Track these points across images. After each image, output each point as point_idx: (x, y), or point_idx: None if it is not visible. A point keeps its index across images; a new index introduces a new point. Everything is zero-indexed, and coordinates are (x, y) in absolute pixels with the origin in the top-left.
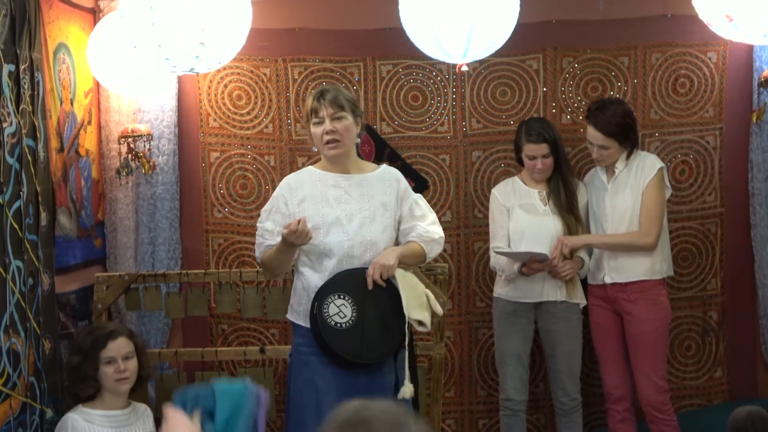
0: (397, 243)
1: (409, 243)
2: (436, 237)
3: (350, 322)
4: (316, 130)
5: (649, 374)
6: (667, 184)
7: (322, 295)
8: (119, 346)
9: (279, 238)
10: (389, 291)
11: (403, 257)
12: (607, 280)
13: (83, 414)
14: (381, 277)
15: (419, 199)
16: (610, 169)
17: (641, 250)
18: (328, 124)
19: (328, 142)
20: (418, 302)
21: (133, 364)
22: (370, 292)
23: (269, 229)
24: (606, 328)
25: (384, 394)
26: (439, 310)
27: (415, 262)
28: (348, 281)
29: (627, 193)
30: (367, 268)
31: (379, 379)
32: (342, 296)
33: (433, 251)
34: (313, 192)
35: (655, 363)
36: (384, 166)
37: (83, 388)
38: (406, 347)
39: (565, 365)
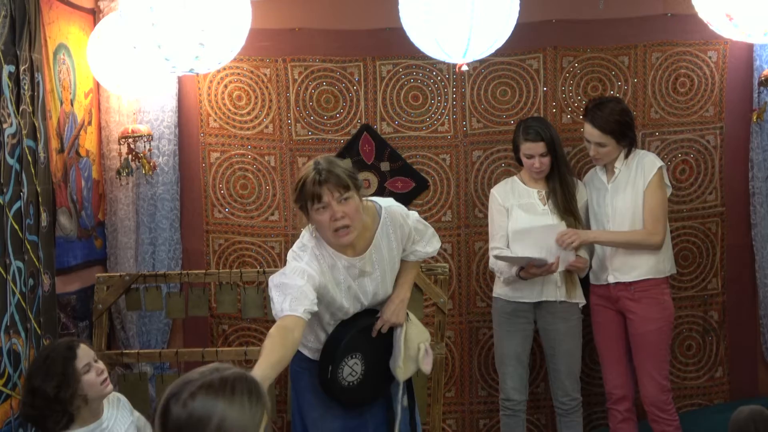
0: None
1: (409, 271)
2: (432, 251)
3: (361, 377)
4: (320, 218)
5: (653, 374)
6: (667, 182)
7: (336, 358)
8: (86, 351)
9: (300, 294)
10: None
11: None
12: (611, 279)
13: None
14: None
15: (417, 223)
16: (609, 169)
17: (648, 249)
18: (335, 209)
19: (337, 230)
20: (411, 354)
21: (103, 363)
22: (374, 338)
23: (299, 285)
24: (608, 327)
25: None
26: (426, 369)
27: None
28: (358, 339)
29: (627, 192)
30: (374, 322)
31: None
32: (355, 356)
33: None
34: (328, 279)
35: (659, 362)
36: (384, 214)
37: (72, 409)
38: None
39: (565, 365)
